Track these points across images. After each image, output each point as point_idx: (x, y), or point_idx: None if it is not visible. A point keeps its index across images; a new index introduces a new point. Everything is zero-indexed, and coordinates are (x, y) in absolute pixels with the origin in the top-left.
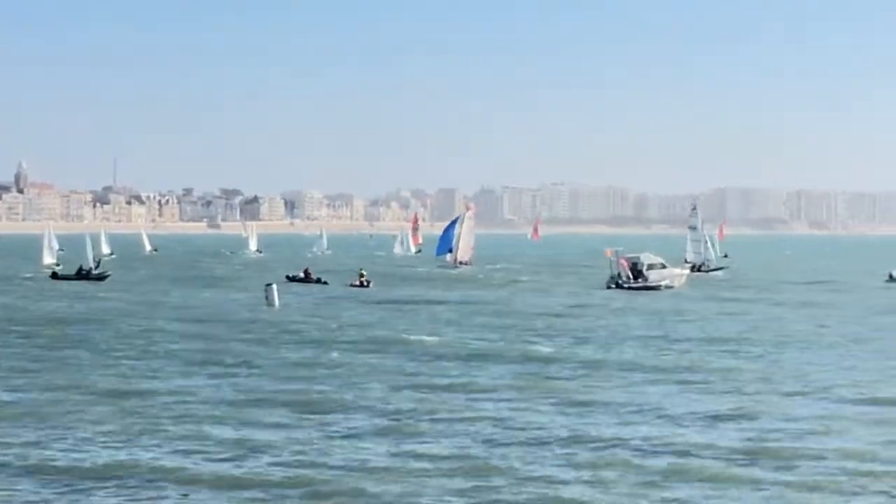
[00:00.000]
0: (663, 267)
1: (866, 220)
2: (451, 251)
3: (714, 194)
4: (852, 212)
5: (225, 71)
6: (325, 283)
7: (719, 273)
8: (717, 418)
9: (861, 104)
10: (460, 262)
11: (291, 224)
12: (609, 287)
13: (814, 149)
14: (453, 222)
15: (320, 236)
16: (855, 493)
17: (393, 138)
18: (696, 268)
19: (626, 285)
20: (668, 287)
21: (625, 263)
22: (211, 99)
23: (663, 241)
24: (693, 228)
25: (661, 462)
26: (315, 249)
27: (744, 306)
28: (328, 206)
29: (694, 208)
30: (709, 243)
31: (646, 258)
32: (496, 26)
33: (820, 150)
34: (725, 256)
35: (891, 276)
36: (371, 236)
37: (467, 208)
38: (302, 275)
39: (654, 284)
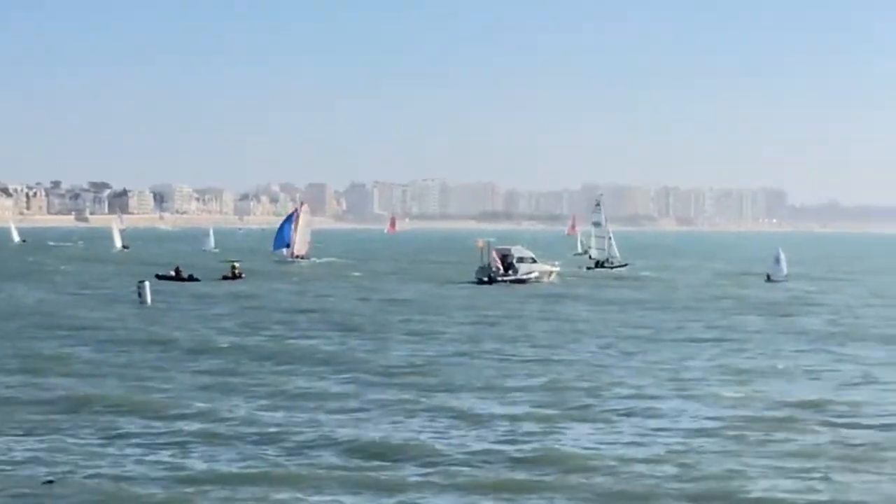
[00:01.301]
0: (534, 261)
1: (733, 218)
2: (287, 246)
3: (584, 191)
4: (719, 209)
5: (95, 63)
6: (197, 279)
7: (623, 270)
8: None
9: (727, 102)
10: (297, 257)
11: (161, 218)
12: (481, 280)
13: (682, 146)
14: (289, 217)
15: (207, 234)
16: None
17: (262, 132)
18: (599, 264)
19: (498, 278)
20: (537, 280)
21: (496, 255)
22: (80, 91)
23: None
24: (597, 224)
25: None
26: (205, 247)
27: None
28: (197, 199)
29: (598, 204)
30: (612, 240)
31: (517, 251)
32: (363, 20)
33: (688, 147)
34: (585, 253)
35: (768, 277)
36: (241, 230)
37: (301, 204)
38: (173, 273)
39: (524, 278)
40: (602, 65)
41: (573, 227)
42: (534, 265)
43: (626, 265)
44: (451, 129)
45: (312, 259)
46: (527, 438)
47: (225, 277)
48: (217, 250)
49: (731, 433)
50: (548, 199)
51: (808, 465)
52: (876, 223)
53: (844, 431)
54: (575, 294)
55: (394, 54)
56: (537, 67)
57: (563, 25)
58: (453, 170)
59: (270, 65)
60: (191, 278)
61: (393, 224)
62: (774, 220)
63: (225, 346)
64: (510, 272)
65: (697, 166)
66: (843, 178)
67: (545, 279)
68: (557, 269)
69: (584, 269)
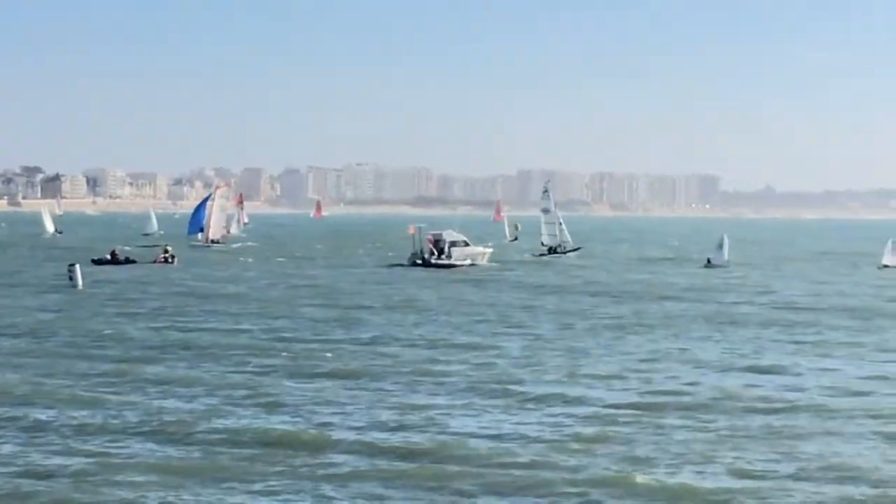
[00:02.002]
0: (466, 245)
1: (667, 203)
2: (202, 230)
3: (518, 176)
4: (653, 194)
5: (27, 47)
6: (134, 261)
7: (573, 255)
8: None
9: (662, 88)
10: (212, 241)
11: (94, 203)
12: (414, 263)
13: (617, 132)
14: (204, 201)
15: (149, 217)
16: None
17: (197, 117)
18: (552, 249)
19: (432, 261)
20: (472, 265)
21: (430, 240)
22: (11, 75)
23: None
24: (546, 211)
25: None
26: (149, 231)
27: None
28: (131, 184)
29: (546, 191)
30: (563, 225)
31: (449, 235)
32: (302, 4)
33: (623, 133)
34: (515, 240)
35: (708, 262)
36: (176, 215)
37: (217, 188)
38: (108, 256)
39: (457, 262)
40: (536, 51)
41: (499, 212)
42: (466, 249)
43: (578, 249)
44: (387, 114)
45: (231, 244)
46: (416, 425)
47: (157, 262)
48: (162, 232)
49: (624, 419)
50: (482, 185)
51: (701, 448)
52: (809, 209)
53: (742, 416)
54: (499, 278)
55: (326, 40)
56: (472, 53)
57: (497, 12)
58: (388, 155)
59: (203, 49)
60: (127, 261)
61: (319, 209)
62: (708, 206)
63: (133, 335)
64: (443, 256)
65: (632, 152)
66: (777, 164)
67: (479, 262)
68: (490, 250)
69: (536, 256)
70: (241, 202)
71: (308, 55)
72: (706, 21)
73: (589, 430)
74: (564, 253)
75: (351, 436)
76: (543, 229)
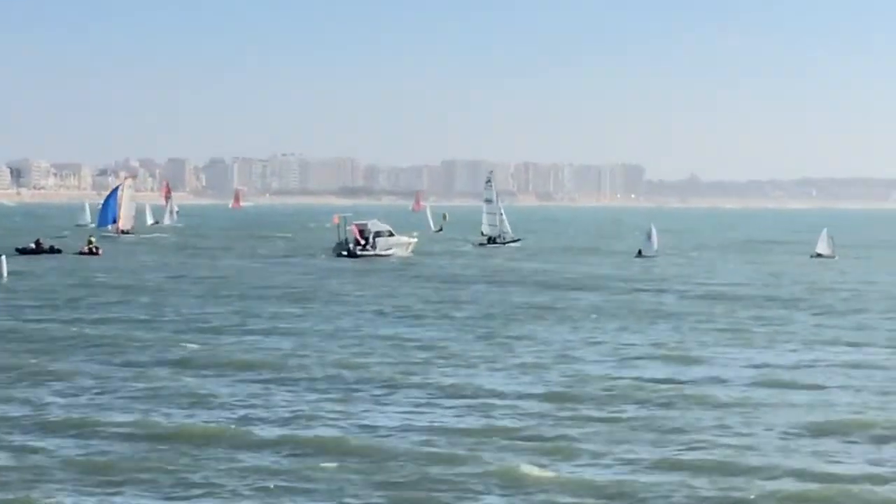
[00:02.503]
0: (391, 235)
1: (592, 193)
2: (114, 221)
3: (443, 166)
4: (578, 184)
5: None
6: (59, 251)
7: (516, 244)
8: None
9: (588, 78)
10: (122, 231)
11: (18, 194)
12: (339, 254)
13: (543, 122)
14: (113, 192)
15: (83, 208)
16: None
17: (123, 107)
18: (492, 240)
19: (357, 251)
20: (397, 255)
21: (355, 230)
22: None
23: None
24: (488, 201)
25: None
26: (80, 221)
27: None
28: (55, 175)
29: (489, 181)
30: (504, 216)
31: (373, 225)
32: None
33: (549, 123)
34: (441, 230)
35: (639, 253)
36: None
37: (126, 178)
38: (33, 245)
39: (382, 252)
40: (461, 41)
41: (418, 202)
42: (391, 238)
43: (518, 240)
44: (313, 103)
45: (150, 235)
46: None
47: (82, 253)
48: (93, 225)
49: (533, 410)
50: (408, 175)
51: (604, 440)
52: (732, 199)
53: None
54: (422, 268)
55: (254, 28)
56: (398, 43)
57: (423, 3)
58: (314, 145)
59: (131, 40)
60: (52, 250)
61: (238, 199)
62: (633, 196)
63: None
64: (368, 247)
65: (557, 142)
66: (702, 154)
67: (404, 252)
68: (415, 240)
69: (476, 246)
70: (168, 193)
71: (233, 45)
72: (627, 9)
73: (499, 423)
74: (504, 244)
75: (254, 430)
76: (484, 219)
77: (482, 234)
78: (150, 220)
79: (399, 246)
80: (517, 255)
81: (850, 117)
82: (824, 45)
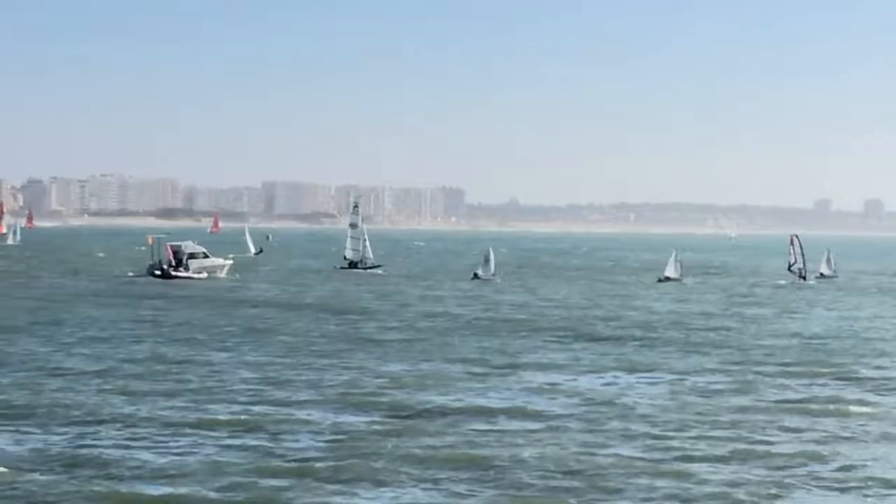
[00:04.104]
0: (206, 256)
1: (413, 216)
2: None
3: (264, 188)
4: (399, 207)
5: None
6: None
7: (378, 270)
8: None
9: (408, 103)
10: None
11: None
12: (153, 274)
13: (364, 146)
14: None
15: (14, 230)
16: None
17: None
18: (353, 264)
19: (172, 272)
20: (211, 276)
21: (169, 251)
22: None
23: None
24: (353, 226)
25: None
26: (9, 241)
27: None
28: None
29: (356, 206)
30: (367, 241)
31: (188, 247)
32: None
33: (371, 146)
34: (260, 252)
35: (475, 275)
36: None
37: None
38: None
39: (195, 275)
40: (277, 61)
41: (216, 224)
42: (205, 261)
43: (379, 266)
44: (134, 123)
45: None
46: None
47: None
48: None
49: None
50: (227, 196)
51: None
52: (550, 223)
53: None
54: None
55: (75, 46)
56: (221, 64)
57: (239, 15)
58: (134, 165)
59: None
60: None
61: (30, 219)
62: (453, 219)
63: None
64: (181, 268)
65: (378, 165)
66: (523, 179)
67: (219, 274)
68: (230, 262)
69: (337, 269)
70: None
71: (53, 62)
72: (454, 34)
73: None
74: (366, 268)
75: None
76: (348, 244)
77: (345, 258)
78: None
79: (213, 268)
80: (342, 279)
81: (645, 142)
82: (634, 74)
